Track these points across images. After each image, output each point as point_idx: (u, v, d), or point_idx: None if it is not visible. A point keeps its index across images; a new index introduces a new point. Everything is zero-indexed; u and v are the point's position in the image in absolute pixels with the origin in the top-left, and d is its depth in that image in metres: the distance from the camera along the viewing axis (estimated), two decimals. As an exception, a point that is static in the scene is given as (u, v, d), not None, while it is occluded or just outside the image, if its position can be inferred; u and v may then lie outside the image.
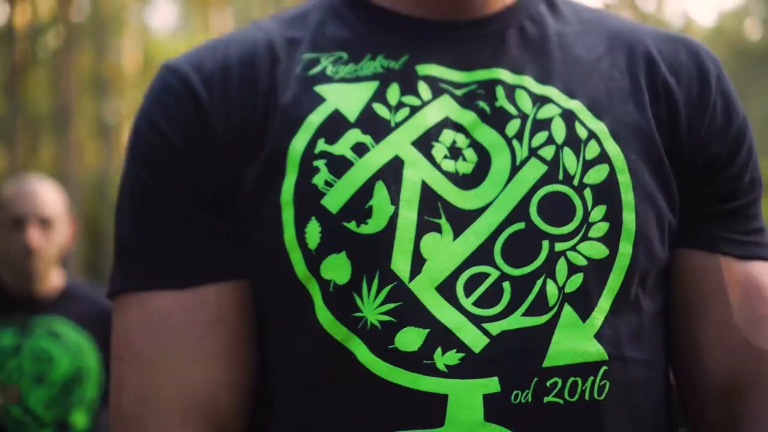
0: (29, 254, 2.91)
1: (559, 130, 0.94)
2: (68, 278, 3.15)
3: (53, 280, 3.04)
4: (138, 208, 0.97)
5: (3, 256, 2.99)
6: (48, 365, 2.96)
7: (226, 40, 1.00)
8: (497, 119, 0.94)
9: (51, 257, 2.99)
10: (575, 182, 0.92)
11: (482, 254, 0.90)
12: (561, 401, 0.87)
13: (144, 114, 0.97)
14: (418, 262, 0.89)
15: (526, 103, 0.95)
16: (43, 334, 2.98)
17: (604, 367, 0.89)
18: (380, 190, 0.90)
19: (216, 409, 0.93)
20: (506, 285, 0.89)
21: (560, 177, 0.92)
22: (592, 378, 0.88)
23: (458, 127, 0.94)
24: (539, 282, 0.88)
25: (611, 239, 0.91)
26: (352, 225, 0.89)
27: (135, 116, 1.00)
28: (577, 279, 0.89)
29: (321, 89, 0.95)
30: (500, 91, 0.95)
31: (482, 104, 0.95)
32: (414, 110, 0.94)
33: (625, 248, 0.91)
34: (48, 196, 2.99)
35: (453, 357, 0.87)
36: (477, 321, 0.88)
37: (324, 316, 0.89)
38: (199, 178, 0.94)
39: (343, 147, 0.92)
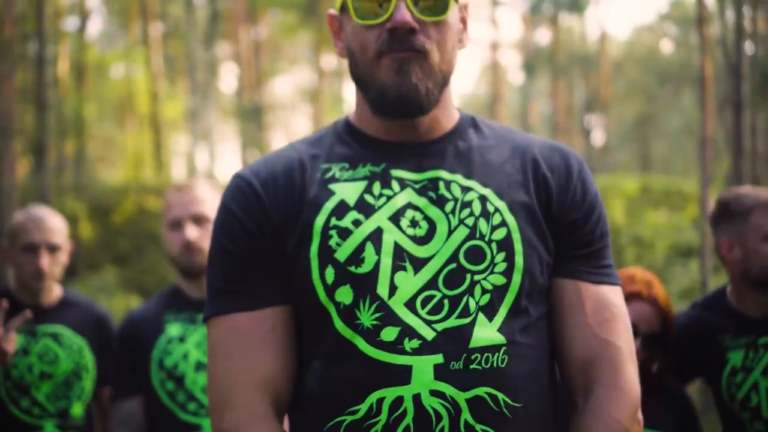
0: (40, 277, 3.39)
1: (477, 207, 1.56)
2: (65, 289, 3.63)
3: (55, 292, 3.51)
4: (223, 264, 1.61)
5: (17, 275, 3.46)
6: (52, 364, 3.39)
7: (274, 157, 1.64)
8: (439, 202, 1.56)
9: (56, 276, 3.48)
10: (486, 239, 1.54)
11: (431, 283, 1.52)
12: (480, 368, 1.49)
13: (225, 204, 1.61)
14: (393, 289, 1.50)
15: (456, 192, 1.57)
16: (47, 337, 3.42)
17: (504, 347, 1.51)
18: (369, 247, 1.52)
19: (273, 384, 1.56)
20: (446, 301, 1.51)
21: (477, 236, 1.54)
22: (497, 354, 1.51)
23: (416, 208, 1.57)
24: (464, 299, 1.51)
25: (508, 273, 1.54)
26: (352, 268, 1.51)
27: (219, 204, 1.63)
28: (486, 297, 1.52)
29: (332, 186, 1.57)
30: (441, 185, 1.57)
31: (430, 193, 1.57)
32: (389, 198, 1.56)
33: (516, 278, 1.54)
34: (56, 225, 3.44)
35: (415, 343, 1.49)
36: (428, 323, 1.50)
37: (338, 323, 1.51)
38: (261, 245, 1.59)
39: (346, 222, 1.54)
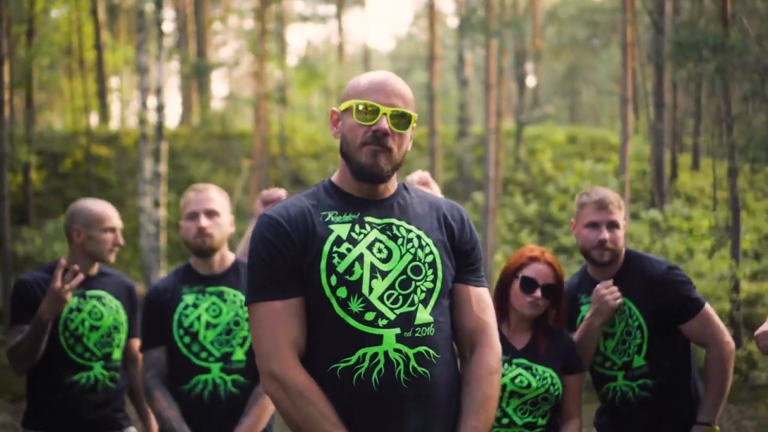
0: (112, 253, 4.49)
1: (415, 242, 2.76)
2: (100, 265, 4.69)
3: (95, 267, 4.59)
4: (262, 271, 2.60)
5: (76, 250, 4.45)
6: (98, 319, 4.43)
7: (288, 205, 2.76)
8: (394, 238, 2.74)
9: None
10: (422, 261, 2.75)
11: (391, 286, 2.74)
12: (420, 335, 2.72)
13: (263, 233, 2.72)
14: (370, 289, 2.71)
15: (403, 232, 2.76)
16: (94, 299, 4.47)
17: (432, 324, 2.74)
18: (356, 265, 2.73)
19: (297, 344, 2.74)
20: (400, 297, 2.75)
21: (417, 259, 2.73)
22: (428, 327, 2.76)
23: (380, 241, 2.78)
24: (411, 296, 2.74)
25: (434, 281, 2.76)
26: (347, 277, 2.72)
27: (257, 232, 2.74)
28: (423, 295, 2.75)
29: (331, 227, 2.72)
30: (393, 227, 2.75)
31: (388, 232, 2.78)
32: (365, 235, 2.75)
33: (438, 285, 2.77)
34: (115, 214, 4.53)
35: (384, 321, 2.72)
36: (391, 309, 2.71)
37: (337, 310, 2.71)
38: (288, 260, 2.71)
39: (342, 249, 2.72)
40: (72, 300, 4.35)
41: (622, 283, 3.94)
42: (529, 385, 3.68)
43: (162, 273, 20.08)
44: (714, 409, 3.80)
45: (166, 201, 20.97)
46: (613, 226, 3.93)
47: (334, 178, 2.79)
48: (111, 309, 4.49)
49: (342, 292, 2.61)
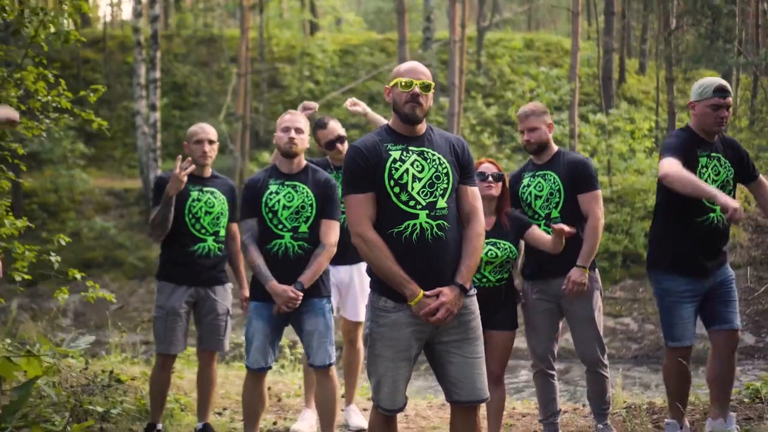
0: (206, 159, 5.89)
1: (437, 161, 4.45)
2: (213, 170, 6.00)
3: (208, 169, 5.94)
4: (352, 175, 4.22)
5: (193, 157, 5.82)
6: (212, 207, 5.86)
7: (367, 138, 4.67)
8: (424, 158, 4.42)
9: (212, 160, 5.97)
10: (441, 172, 4.36)
11: (424, 186, 4.34)
12: (440, 214, 4.28)
13: (352, 156, 4.45)
14: (412, 188, 4.17)
15: (430, 155, 4.28)
16: (207, 193, 5.87)
17: (446, 208, 4.32)
18: (405, 174, 4.11)
19: (371, 216, 4.48)
20: (429, 192, 4.25)
21: (438, 171, 4.35)
22: (444, 210, 4.35)
23: (417, 160, 4.51)
24: (435, 192, 4.36)
25: (448, 183, 4.25)
26: (399, 180, 4.33)
27: (349, 154, 4.23)
28: (441, 191, 4.14)
29: (389, 152, 4.36)
30: (425, 152, 4.24)
31: (422, 155, 4.38)
32: (409, 156, 4.16)
33: (450, 185, 4.35)
34: (211, 129, 6.01)
35: (419, 206, 4.05)
36: (424, 199, 4.06)
37: (393, 199, 4.32)
38: (365, 170, 4.42)
39: (397, 165, 4.19)
40: (193, 192, 5.83)
41: (552, 165, 5.61)
42: (496, 256, 5.32)
43: (159, 171, 22.05)
44: (587, 259, 5.60)
45: (160, 104, 22.84)
46: (532, 130, 5.57)
47: (390, 123, 4.31)
48: (219, 200, 5.92)
49: (396, 189, 4.15)
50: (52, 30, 6.68)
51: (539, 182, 5.61)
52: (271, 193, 5.34)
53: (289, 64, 30.39)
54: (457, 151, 4.29)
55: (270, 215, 5.31)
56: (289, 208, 5.34)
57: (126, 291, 20.32)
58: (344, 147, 6.18)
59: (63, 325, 17.26)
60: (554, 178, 5.55)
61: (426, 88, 4.18)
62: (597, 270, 5.62)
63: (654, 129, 23.67)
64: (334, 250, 5.39)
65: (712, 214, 5.23)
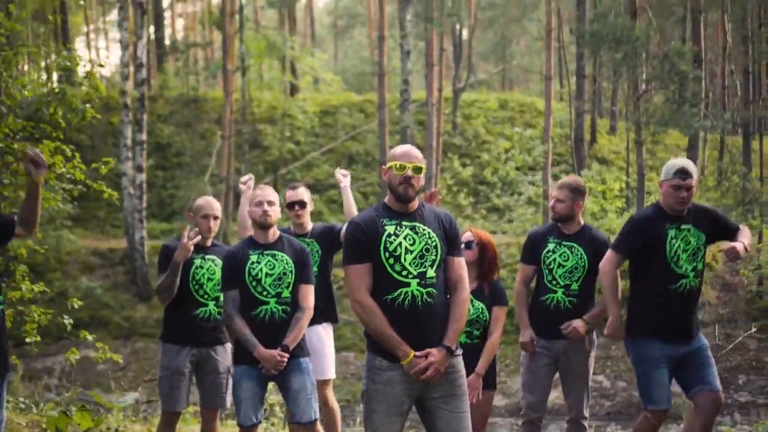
0: (210, 232, 6.20)
1: (427, 235, 4.75)
2: (214, 239, 6.29)
3: (210, 240, 6.25)
4: (351, 249, 4.71)
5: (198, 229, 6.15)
6: (213, 274, 6.16)
7: (365, 214, 5.20)
8: (416, 232, 4.89)
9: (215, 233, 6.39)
10: (431, 244, 4.76)
11: (415, 258, 4.94)
12: (429, 283, 4.75)
13: (352, 230, 5.08)
14: (404, 259, 4.64)
15: (421, 230, 4.89)
16: (210, 260, 6.19)
17: (435, 277, 4.58)
18: (399, 247, 4.59)
19: (368, 285, 4.93)
20: (419, 263, 4.61)
21: (429, 243, 4.72)
22: (433, 279, 4.58)
23: (410, 234, 4.89)
24: (425, 263, 4.59)
25: (437, 255, 4.53)
26: (393, 253, 4.86)
27: (350, 228, 4.71)
28: (430, 262, 4.61)
29: (385, 227, 4.85)
30: (416, 227, 4.75)
31: (414, 230, 4.77)
32: (402, 231, 4.60)
33: (438, 257, 4.70)
34: (218, 206, 6.25)
35: (411, 275, 4.55)
36: (415, 269, 4.57)
37: (388, 269, 4.73)
38: (364, 244, 4.91)
39: (392, 239, 4.74)
40: (197, 260, 6.16)
41: (579, 238, 6.10)
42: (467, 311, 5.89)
43: (144, 232, 22.72)
44: (593, 318, 6.00)
45: (146, 165, 23.34)
46: (558, 201, 6.11)
47: (386, 200, 4.73)
48: (220, 268, 6.09)
49: (391, 260, 4.58)
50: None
51: (564, 252, 6.08)
52: (253, 263, 5.64)
53: (270, 125, 31.00)
54: (445, 225, 4.76)
55: (254, 283, 5.61)
56: (271, 275, 5.64)
57: (111, 351, 20.56)
58: (303, 213, 6.58)
59: (51, 386, 17.57)
60: (581, 252, 6.05)
61: (418, 170, 4.66)
62: (595, 334, 6.17)
63: (625, 189, 24.40)
64: (312, 312, 5.74)
65: (684, 280, 5.63)
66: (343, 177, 6.91)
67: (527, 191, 24.33)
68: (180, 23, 52.46)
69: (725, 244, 5.52)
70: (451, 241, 4.75)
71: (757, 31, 23.73)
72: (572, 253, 6.07)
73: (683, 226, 5.63)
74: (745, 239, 5.64)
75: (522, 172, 26.58)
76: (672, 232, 5.61)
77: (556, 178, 25.80)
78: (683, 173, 5.56)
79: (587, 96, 29.15)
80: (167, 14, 43.06)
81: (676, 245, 5.61)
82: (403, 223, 4.68)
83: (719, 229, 5.75)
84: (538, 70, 29.17)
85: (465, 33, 35.07)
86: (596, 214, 22.79)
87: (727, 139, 26.43)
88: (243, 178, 6.79)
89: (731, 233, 5.76)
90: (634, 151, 23.12)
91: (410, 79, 28.88)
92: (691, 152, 22.14)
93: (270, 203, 5.72)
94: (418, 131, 29.28)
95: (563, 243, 6.12)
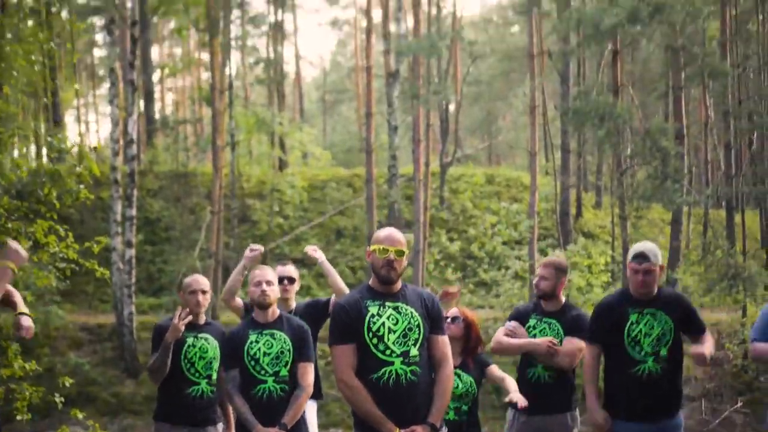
0: (201, 308, 6.20)
1: (410, 315, 5.01)
2: (207, 316, 6.35)
3: (203, 317, 6.27)
4: (336, 327, 4.85)
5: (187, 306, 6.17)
6: (206, 352, 6.16)
7: (350, 296, 5.44)
8: (399, 312, 5.40)
9: (205, 309, 6.38)
10: (413, 323, 5.06)
11: (398, 337, 5.10)
12: (413, 361, 4.85)
13: (337, 312, 5.21)
14: (387, 339, 4.98)
15: (404, 310, 5.16)
16: (202, 339, 6.18)
17: (418, 355, 4.72)
18: (381, 327, 4.81)
19: (353, 365, 5.05)
20: (403, 343, 4.82)
21: (412, 322, 4.94)
22: (416, 357, 4.72)
23: (393, 315, 5.32)
24: (408, 342, 4.72)
25: (419, 335, 4.91)
26: (377, 333, 5.26)
27: (335, 310, 4.92)
28: (413, 341, 4.75)
29: (369, 308, 5.08)
30: (400, 307, 5.12)
31: (398, 310, 5.16)
32: (385, 311, 4.96)
33: (421, 336, 5.02)
34: (205, 282, 6.29)
35: (394, 354, 4.67)
36: (398, 348, 4.68)
37: (372, 349, 4.99)
38: (348, 325, 5.10)
39: (375, 319, 5.12)
40: (189, 339, 6.16)
41: (560, 314, 6.24)
42: (456, 386, 5.74)
43: (133, 307, 22.69)
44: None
45: (135, 241, 23.44)
46: (542, 279, 6.26)
47: (370, 282, 4.86)
48: (212, 346, 6.26)
49: (374, 341, 4.70)
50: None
51: (544, 328, 6.24)
52: (251, 343, 5.74)
53: (259, 200, 31.21)
54: (427, 305, 4.90)
55: (252, 363, 5.69)
56: (269, 354, 5.72)
57: (100, 428, 20.46)
58: (290, 288, 6.72)
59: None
60: (558, 328, 6.21)
61: (400, 254, 4.80)
62: (578, 411, 6.28)
63: (610, 263, 24.61)
64: (311, 390, 5.80)
65: (642, 366, 5.67)
66: (314, 252, 6.96)
67: (514, 266, 24.48)
68: (170, 97, 53.12)
69: (694, 347, 5.61)
70: (433, 319, 4.89)
71: (737, 107, 24.21)
72: (550, 328, 6.22)
73: (647, 310, 5.69)
74: (710, 344, 5.72)
75: (509, 247, 26.77)
76: (633, 317, 5.69)
77: (542, 252, 26.05)
78: (640, 257, 5.67)
79: (572, 170, 29.54)
80: (157, 88, 43.53)
81: (637, 329, 5.67)
82: (387, 303, 4.82)
83: (689, 322, 5.81)
84: (524, 146, 29.60)
85: (452, 107, 35.46)
86: (582, 289, 22.94)
87: (711, 212, 26.79)
88: (255, 246, 6.78)
89: (698, 332, 5.83)
90: (619, 225, 23.41)
91: (398, 154, 29.32)
92: (675, 227, 22.45)
93: (269, 283, 5.82)
94: (406, 206, 29.58)
95: (543, 320, 6.27)
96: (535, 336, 6.24)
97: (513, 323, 6.33)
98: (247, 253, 6.70)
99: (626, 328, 5.67)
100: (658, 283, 5.77)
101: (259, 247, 6.74)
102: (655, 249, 5.77)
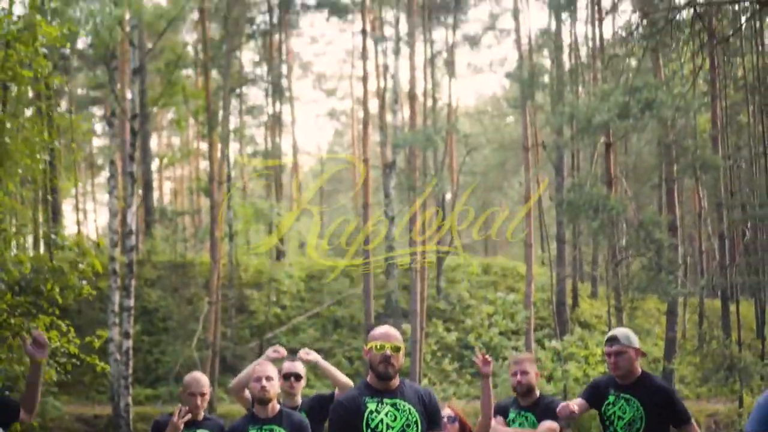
0: (200, 409, 7.25)
1: (408, 411, 5.36)
2: (205, 412, 6.89)
3: (202, 413, 6.62)
4: (336, 424, 5.06)
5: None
6: None
7: (348, 394, 5.60)
8: (398, 409, 5.58)
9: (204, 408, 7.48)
10: (411, 420, 5.42)
11: (399, 431, 5.43)
12: None
13: (337, 408, 5.42)
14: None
15: (401, 406, 5.56)
16: None
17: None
18: (380, 424, 5.10)
19: None
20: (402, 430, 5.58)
21: (410, 419, 5.20)
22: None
23: (391, 411, 5.70)
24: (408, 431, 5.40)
25: (418, 429, 5.03)
26: (375, 429, 5.53)
27: (335, 406, 5.75)
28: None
29: (367, 404, 5.49)
30: (398, 403, 5.50)
31: (396, 407, 5.55)
32: (383, 408, 5.39)
33: (420, 431, 5.70)
34: (205, 382, 6.42)
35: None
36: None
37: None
38: (348, 422, 5.33)
39: (373, 416, 5.54)
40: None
41: (535, 406, 6.42)
42: None
43: (130, 398, 22.66)
44: None
45: (133, 331, 23.50)
46: (523, 373, 6.61)
47: (368, 379, 4.99)
48: None
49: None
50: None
51: (522, 422, 6.46)
52: None
53: (256, 290, 31.35)
54: (425, 401, 5.05)
55: None
56: None
57: None
58: (297, 385, 6.79)
59: None
60: (533, 420, 6.40)
61: (396, 350, 4.95)
62: None
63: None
64: None
65: None
66: (307, 356, 7.05)
67: (511, 356, 24.43)
68: (168, 186, 53.56)
69: None
70: (431, 416, 5.06)
71: (729, 199, 24.55)
72: (527, 421, 6.44)
73: (623, 395, 5.92)
74: None
75: (505, 337, 26.78)
76: (611, 398, 5.97)
77: (539, 342, 26.12)
78: (611, 340, 5.97)
79: (568, 261, 29.75)
80: (155, 177, 44.00)
81: (611, 411, 5.96)
82: (385, 399, 4.98)
83: (670, 413, 5.96)
84: (520, 238, 29.84)
85: (448, 196, 35.87)
86: (579, 380, 22.93)
87: (706, 302, 26.93)
88: (280, 349, 6.83)
89: (680, 423, 5.99)
90: (615, 316, 23.52)
91: (395, 245, 29.50)
92: (671, 317, 22.55)
93: (268, 378, 5.93)
94: (403, 296, 29.63)
95: (521, 413, 6.49)
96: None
97: (499, 418, 6.53)
98: (269, 352, 6.75)
99: (603, 407, 5.98)
100: (635, 367, 5.98)
101: (283, 352, 6.82)
102: (627, 332, 6.03)
